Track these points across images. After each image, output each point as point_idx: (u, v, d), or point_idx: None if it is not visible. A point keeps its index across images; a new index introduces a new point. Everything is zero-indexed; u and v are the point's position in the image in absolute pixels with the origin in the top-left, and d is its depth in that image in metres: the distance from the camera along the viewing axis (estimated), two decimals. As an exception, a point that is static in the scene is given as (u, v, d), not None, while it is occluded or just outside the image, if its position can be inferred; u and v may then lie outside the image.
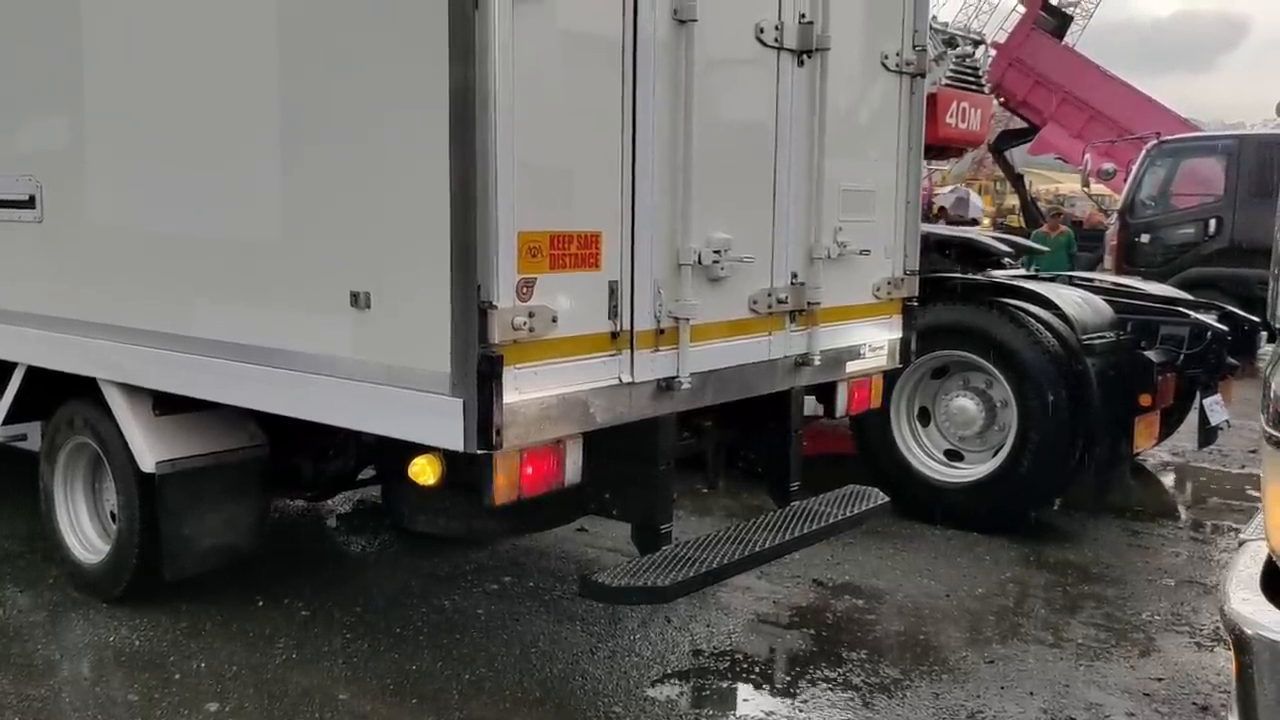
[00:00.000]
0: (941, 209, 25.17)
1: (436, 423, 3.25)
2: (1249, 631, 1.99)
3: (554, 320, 3.32)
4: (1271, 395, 2.01)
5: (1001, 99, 22.34)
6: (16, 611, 4.75)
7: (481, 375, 3.13)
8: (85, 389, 4.66)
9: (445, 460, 3.43)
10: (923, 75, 4.87)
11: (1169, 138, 14.70)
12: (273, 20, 3.70)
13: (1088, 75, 22.37)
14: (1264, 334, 7.11)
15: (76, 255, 4.55)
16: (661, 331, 3.71)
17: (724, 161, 3.91)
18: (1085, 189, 19.36)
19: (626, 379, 3.61)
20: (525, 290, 3.23)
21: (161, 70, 4.08)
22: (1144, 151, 14.16)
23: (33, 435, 5.21)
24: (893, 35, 4.73)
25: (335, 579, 5.17)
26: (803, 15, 4.15)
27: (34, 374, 4.90)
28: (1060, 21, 24.58)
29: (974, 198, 29.97)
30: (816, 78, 4.23)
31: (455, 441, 3.21)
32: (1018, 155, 25.50)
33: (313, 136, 3.64)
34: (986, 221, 20.04)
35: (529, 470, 3.41)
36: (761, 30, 4.01)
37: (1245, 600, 2.08)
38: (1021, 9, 23.84)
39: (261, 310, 3.82)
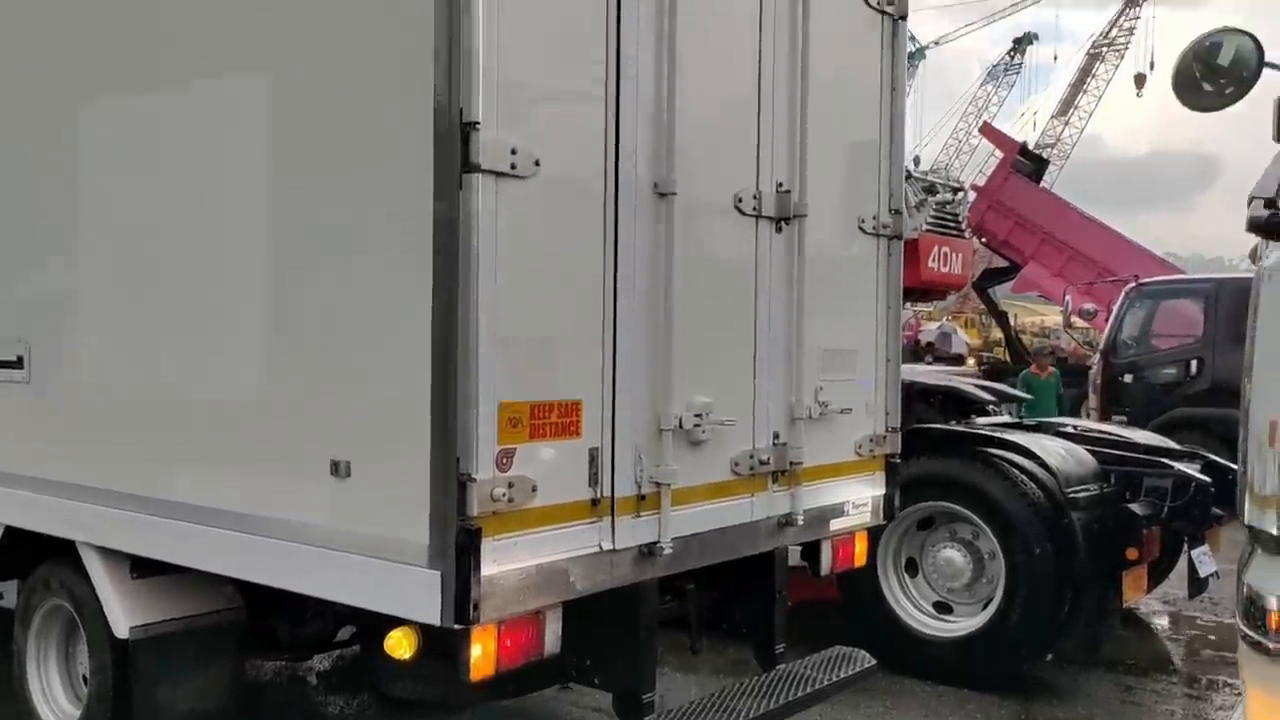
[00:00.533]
0: (929, 344, 25.48)
1: (414, 595, 3.22)
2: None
3: (534, 490, 3.32)
4: (1244, 595, 2.01)
5: (983, 239, 22.82)
6: (-21, 782, 4.61)
7: (460, 548, 3.11)
8: (63, 550, 4.60)
9: (422, 632, 3.38)
10: (899, 237, 4.99)
11: (1147, 280, 14.99)
12: (261, 193, 3.79)
13: (1066, 217, 22.92)
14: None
15: (61, 416, 4.55)
16: (643, 497, 3.71)
17: (705, 325, 3.97)
18: (1068, 329, 19.62)
19: (607, 546, 3.59)
20: (505, 461, 3.24)
21: (150, 239, 4.16)
22: (1123, 293, 14.42)
23: (9, 593, 5.15)
24: (869, 199, 4.86)
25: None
26: (780, 184, 4.28)
27: (14, 533, 4.85)
28: (1037, 165, 25.27)
29: (959, 333, 30.36)
30: (795, 243, 4.33)
31: (432, 616, 3.17)
32: (1002, 290, 25.94)
33: (297, 307, 3.70)
34: (971, 361, 20.20)
35: (507, 643, 3.36)
36: (740, 200, 4.13)
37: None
38: (999, 153, 24.55)
39: (241, 476, 3.81)
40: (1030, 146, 40.95)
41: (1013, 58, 58.92)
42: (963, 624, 6.23)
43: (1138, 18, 49.26)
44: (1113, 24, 51.33)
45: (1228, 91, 3.55)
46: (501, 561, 3.22)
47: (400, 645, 3.36)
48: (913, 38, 61.00)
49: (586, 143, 3.53)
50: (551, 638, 3.49)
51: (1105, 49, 51.75)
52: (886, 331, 4.98)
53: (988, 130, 28.59)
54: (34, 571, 4.86)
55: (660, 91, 3.73)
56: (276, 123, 3.76)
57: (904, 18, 4.97)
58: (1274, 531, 2.03)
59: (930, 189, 12.25)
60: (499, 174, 3.18)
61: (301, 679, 6.05)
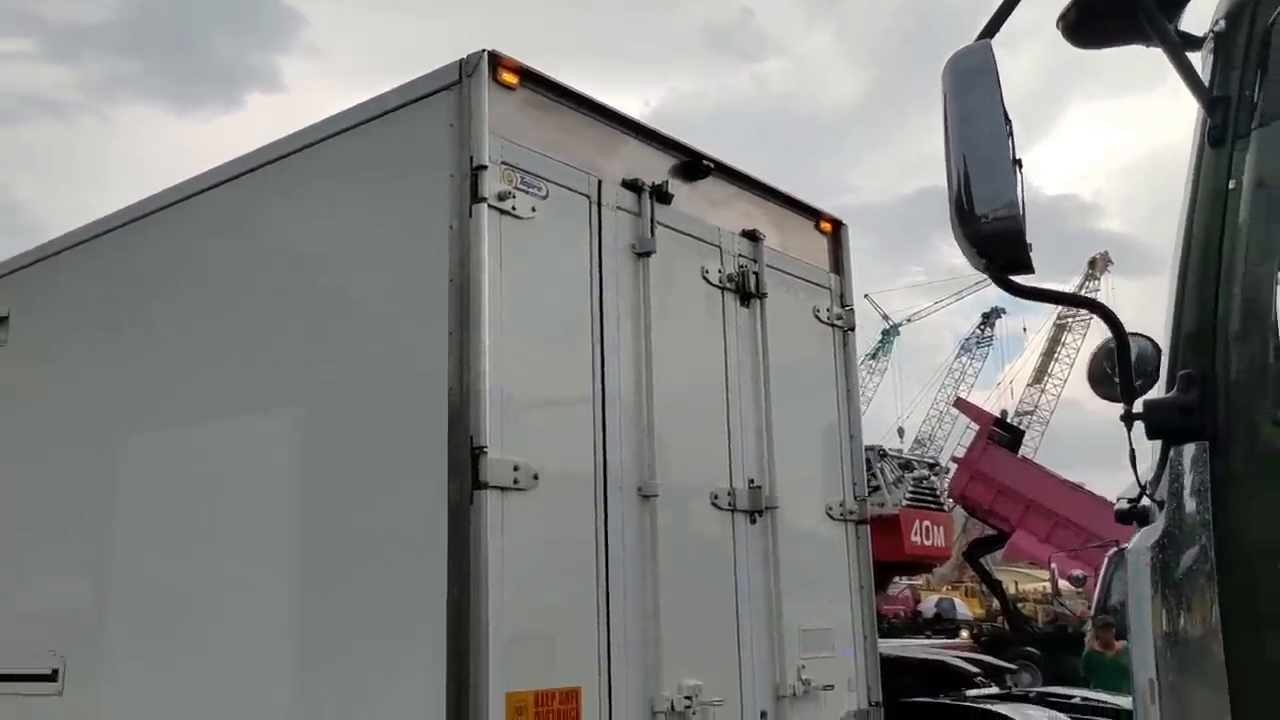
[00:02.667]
0: (934, 617, 25.34)
1: None
2: None
3: (540, 775, 3.62)
4: None
5: (968, 509, 23.33)
6: None
7: (474, 836, 3.39)
8: None
9: None
10: (865, 522, 5.46)
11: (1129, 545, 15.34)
12: (289, 520, 4.28)
13: (1047, 485, 23.52)
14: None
15: (92, 726, 4.84)
16: (641, 778, 3.98)
17: (690, 610, 4.36)
18: (1057, 597, 19.76)
19: (608, 829, 3.84)
20: (512, 747, 3.56)
21: (178, 564, 4.62)
22: (1107, 558, 14.74)
23: None
24: (835, 488, 5.37)
25: None
26: (751, 480, 4.80)
27: None
28: (1013, 435, 26.16)
29: (958, 604, 30.25)
30: (769, 532, 4.80)
31: None
32: (996, 558, 26.15)
33: (318, 620, 4.10)
34: (965, 633, 20.19)
35: None
36: (715, 497, 4.63)
37: None
38: (975, 426, 25.47)
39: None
40: (1010, 414, 42.31)
41: (983, 331, 61.52)
42: None
43: (1098, 290, 51.74)
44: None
45: (1137, 384, 4.15)
46: None
47: None
48: (886, 317, 63.94)
49: (578, 456, 4.07)
50: None
51: (1071, 319, 53.99)
52: (862, 609, 5.35)
53: (962, 405, 29.74)
54: None
55: (640, 408, 4.31)
56: (318, 450, 4.30)
57: (852, 329, 5.66)
58: None
59: (907, 465, 12.94)
60: (504, 489, 3.70)
61: None
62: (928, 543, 11.54)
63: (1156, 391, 2.46)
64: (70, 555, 5.16)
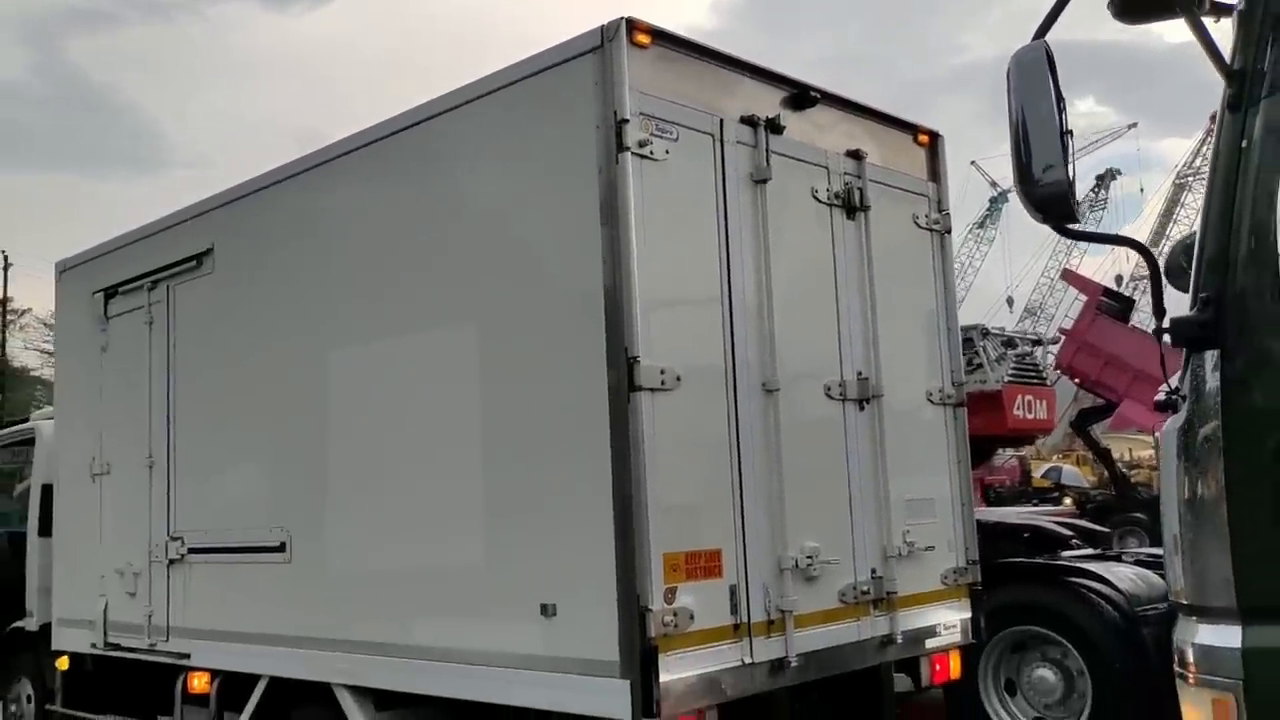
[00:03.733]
0: (1058, 484, 25.83)
1: (609, 700, 4.40)
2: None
3: (691, 618, 4.50)
4: (1175, 642, 3.06)
5: (1076, 379, 23.55)
6: None
7: (644, 660, 4.31)
8: (315, 694, 5.88)
9: (616, 730, 4.53)
10: (963, 405, 6.16)
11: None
12: (479, 411, 5.17)
13: (1155, 353, 23.47)
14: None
15: (318, 587, 5.91)
16: (771, 622, 4.85)
17: (809, 486, 5.16)
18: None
19: (748, 661, 4.72)
20: (670, 596, 4.44)
21: (387, 456, 5.57)
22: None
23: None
24: (934, 376, 6.06)
25: None
26: (860, 373, 5.52)
27: (273, 683, 6.16)
28: (1123, 304, 26.01)
29: (1066, 470, 30.62)
30: (875, 418, 5.54)
31: (624, 713, 4.34)
32: (1102, 427, 26.38)
33: (509, 496, 5.00)
34: (1068, 501, 20.73)
35: (680, 736, 4.49)
36: (829, 388, 5.38)
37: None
38: (1083, 297, 25.44)
39: (470, 622, 5.07)
40: (1125, 279, 41.56)
41: (1097, 193, 59.89)
42: (1060, 736, 7.07)
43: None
44: (1196, 153, 51.92)
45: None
46: (672, 671, 4.39)
47: (600, 741, 4.52)
48: (994, 183, 62.51)
49: (712, 360, 4.84)
50: (711, 733, 4.61)
51: (1191, 178, 52.29)
52: (959, 481, 6.09)
53: (1069, 276, 29.57)
54: (289, 717, 6.14)
55: (761, 315, 5.04)
56: (493, 357, 5.15)
57: (948, 232, 6.26)
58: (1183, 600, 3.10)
59: (1009, 343, 13.37)
60: (654, 390, 4.50)
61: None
62: (1030, 416, 12.04)
63: (1182, 310, 3.10)
64: (291, 450, 6.19)
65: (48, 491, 8.49)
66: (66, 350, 8.40)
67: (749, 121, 5.16)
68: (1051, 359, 18.43)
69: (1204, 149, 51.40)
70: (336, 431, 5.93)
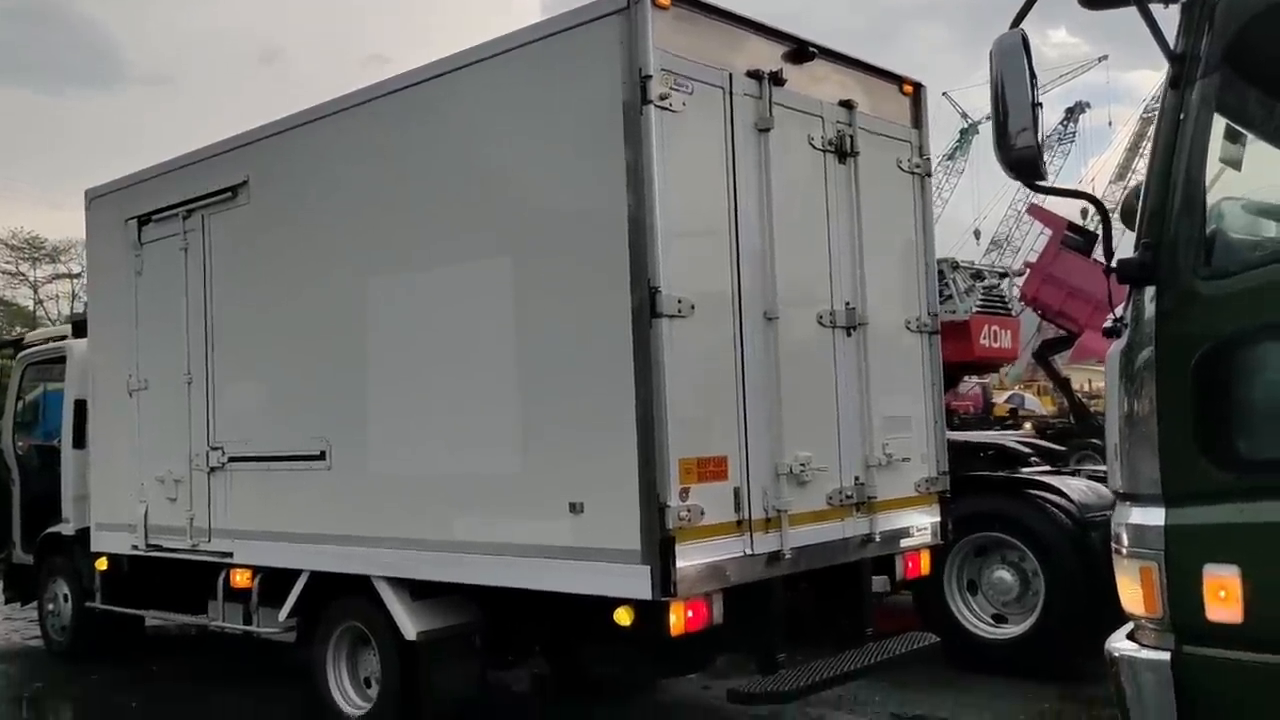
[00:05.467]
0: (1012, 411, 26.86)
1: (632, 583, 5.10)
2: (1114, 652, 3.70)
3: (702, 513, 5.19)
4: (1112, 525, 3.77)
5: (1039, 311, 24.40)
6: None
7: (662, 549, 5.00)
8: (353, 587, 6.57)
9: (635, 609, 5.24)
10: (938, 333, 6.84)
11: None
12: (510, 339, 5.80)
13: (1117, 285, 24.35)
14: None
15: (358, 490, 6.56)
16: (769, 520, 5.55)
17: (802, 404, 5.83)
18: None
19: (749, 552, 5.43)
20: (684, 494, 5.13)
21: (426, 374, 6.19)
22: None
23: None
24: (913, 306, 6.72)
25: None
26: (848, 303, 6.17)
27: (314, 578, 6.84)
28: (1086, 238, 26.80)
29: (1028, 398, 31.73)
30: (861, 344, 6.21)
31: (645, 593, 5.05)
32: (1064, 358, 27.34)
33: (542, 407, 5.64)
34: (1028, 425, 21.71)
35: (690, 613, 5.21)
36: (820, 317, 6.04)
37: (1115, 639, 3.80)
38: (1048, 231, 26.19)
39: (505, 519, 5.75)
40: (1089, 214, 42.34)
41: (1066, 126, 60.49)
42: (1015, 629, 7.89)
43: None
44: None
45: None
46: (686, 559, 5.09)
47: (624, 616, 5.23)
48: (964, 115, 62.82)
49: (720, 291, 5.48)
50: (718, 611, 5.33)
51: (1157, 112, 52.73)
52: (933, 401, 6.80)
53: (1035, 211, 30.20)
54: (330, 605, 6.82)
55: (764, 252, 5.66)
56: (525, 286, 5.77)
57: (929, 175, 6.89)
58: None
59: (978, 275, 14.07)
60: (671, 316, 5.14)
61: (507, 688, 7.90)
62: (995, 345, 12.77)
63: (1127, 253, 3.75)
64: (331, 367, 6.78)
65: (81, 406, 9.06)
66: (99, 274, 8.91)
67: (754, 75, 5.74)
68: (1017, 291, 19.18)
69: (1172, 83, 51.75)
70: (376, 352, 6.53)
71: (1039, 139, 3.57)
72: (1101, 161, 55.64)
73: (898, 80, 6.79)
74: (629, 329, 5.16)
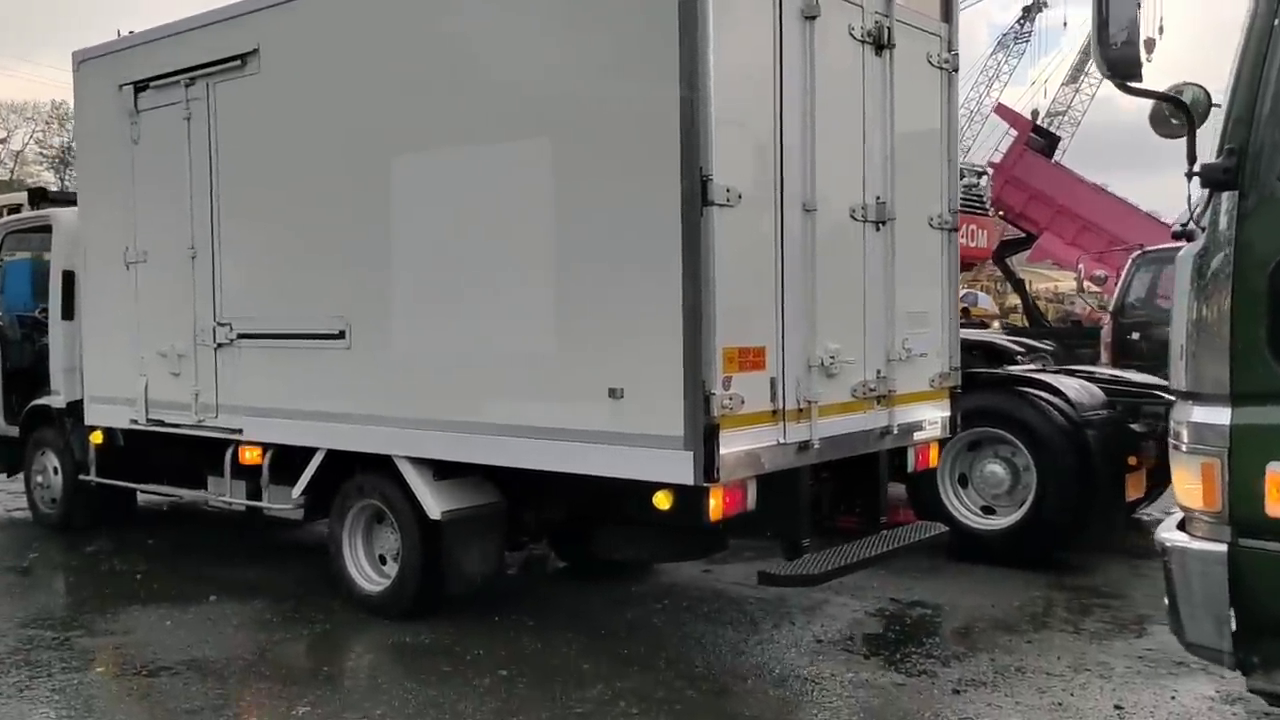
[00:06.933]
0: (963, 309, 27.27)
1: (674, 468, 5.19)
2: (1166, 543, 3.87)
3: (742, 402, 5.27)
4: (1172, 423, 3.90)
5: (1000, 212, 24.63)
6: (327, 627, 6.61)
7: (707, 436, 5.08)
8: (372, 465, 6.59)
9: (675, 493, 5.34)
10: (956, 229, 6.90)
11: (1152, 248, 16.79)
12: (549, 220, 5.74)
13: (1078, 190, 24.69)
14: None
15: (381, 371, 6.53)
16: (801, 410, 5.65)
17: (834, 297, 5.87)
18: (1081, 294, 21.43)
19: (781, 441, 5.54)
20: (727, 383, 5.19)
21: (459, 255, 6.12)
22: (1130, 260, 16.23)
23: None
24: (935, 203, 6.77)
25: (548, 602, 7.03)
26: (878, 197, 6.19)
27: (330, 456, 6.84)
28: (1049, 141, 26.99)
29: (983, 297, 32.19)
30: (889, 239, 6.25)
31: (688, 478, 5.15)
32: (1017, 259, 27.75)
33: (585, 292, 5.62)
34: (996, 324, 22.12)
35: (728, 499, 5.33)
36: (853, 211, 6.06)
37: (1165, 529, 3.97)
38: (1014, 131, 26.31)
39: (538, 402, 5.77)
40: (1041, 114, 42.44)
41: (1022, 26, 60.05)
42: (1005, 521, 8.17)
43: (1150, -16, 49.96)
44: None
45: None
46: (728, 446, 5.18)
47: (663, 500, 5.34)
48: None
49: (764, 181, 5.47)
50: (752, 498, 5.46)
51: (1116, 16, 52.50)
52: (948, 297, 6.90)
53: (1001, 110, 30.27)
54: (345, 484, 6.85)
55: (805, 145, 5.64)
56: (567, 166, 5.71)
57: (956, 70, 6.86)
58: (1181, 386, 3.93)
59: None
60: (721, 205, 5.12)
61: (526, 570, 8.04)
62: (973, 244, 12.98)
63: (1210, 158, 3.80)
64: (352, 244, 6.68)
65: (69, 278, 8.84)
66: (89, 141, 8.59)
67: (804, -40, 5.64)
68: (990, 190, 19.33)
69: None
70: (403, 231, 6.43)
71: (1140, 39, 3.58)
72: (1053, 60, 55.25)
73: (932, -28, 6.71)
74: (678, 216, 5.14)
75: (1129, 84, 3.73)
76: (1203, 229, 3.82)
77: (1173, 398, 3.88)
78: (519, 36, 5.87)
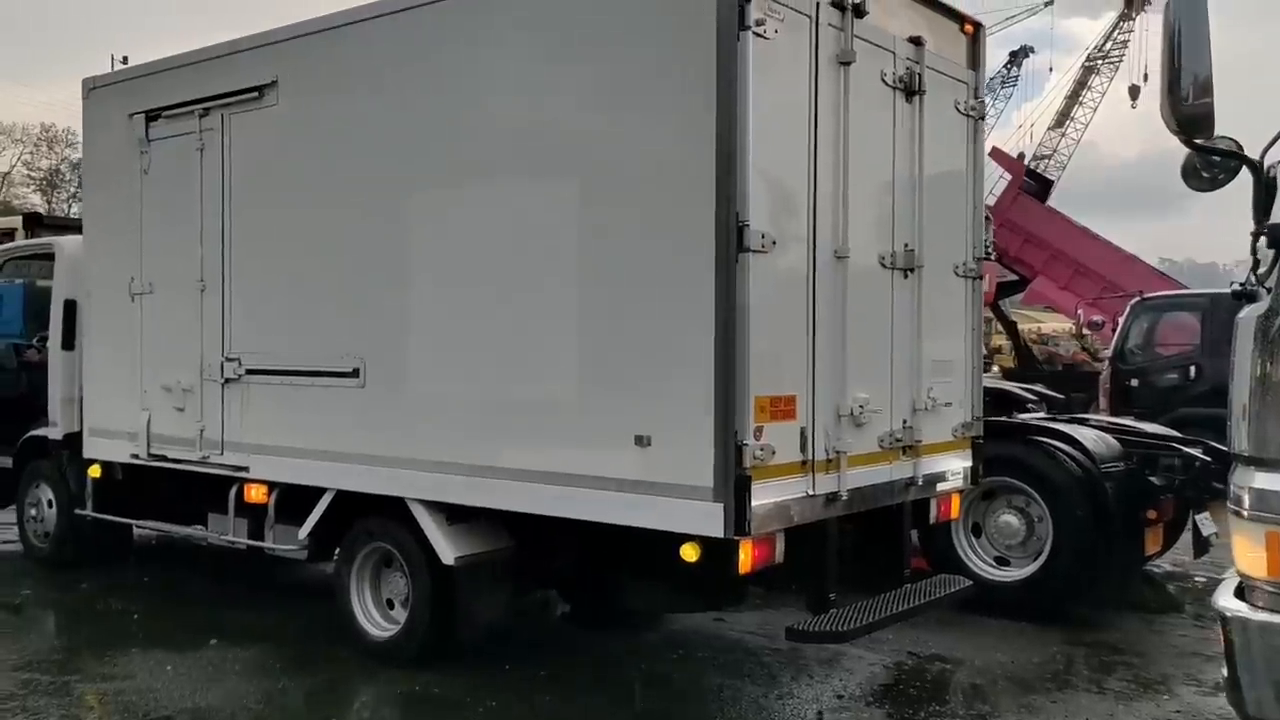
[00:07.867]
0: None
1: (703, 519, 5.05)
2: (1226, 613, 3.74)
3: (773, 453, 5.14)
4: (1232, 488, 3.79)
5: (996, 256, 24.71)
6: (333, 675, 6.41)
7: (738, 487, 4.95)
8: (383, 508, 6.42)
9: (703, 545, 5.19)
10: (981, 278, 6.82)
11: (1151, 295, 16.81)
12: (574, 266, 5.63)
13: (1072, 234, 24.84)
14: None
15: (394, 410, 6.37)
16: (829, 460, 5.52)
17: (863, 345, 5.76)
18: (1078, 339, 21.45)
19: (810, 493, 5.40)
20: (759, 433, 5.06)
21: (482, 297, 5.98)
22: (1129, 307, 16.23)
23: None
24: (961, 250, 6.68)
25: (560, 651, 6.85)
26: (907, 244, 6.10)
27: (339, 497, 6.67)
28: (1042, 185, 27.17)
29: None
30: (916, 286, 6.16)
31: (717, 530, 5.01)
32: (1010, 302, 27.83)
33: (616, 338, 5.49)
34: (996, 369, 22.11)
35: (757, 552, 5.18)
36: (883, 258, 5.96)
37: (1224, 597, 3.85)
38: (1007, 175, 26.46)
39: (565, 449, 5.62)
40: (1027, 158, 42.69)
41: (1009, 70, 60.63)
42: (1020, 573, 8.04)
43: (1132, 31, 50.54)
44: (1107, 37, 52.49)
45: (1220, 178, 5.37)
46: (759, 498, 5.04)
47: (690, 552, 5.18)
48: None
49: (797, 227, 5.37)
50: (780, 550, 5.32)
51: (1100, 62, 53.06)
52: (972, 346, 6.81)
53: (996, 154, 30.45)
54: (353, 526, 6.67)
55: (837, 193, 5.54)
56: (595, 210, 5.59)
57: (983, 118, 6.81)
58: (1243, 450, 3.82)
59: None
60: (756, 251, 5.02)
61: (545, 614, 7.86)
62: (977, 288, 12.89)
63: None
64: (368, 283, 6.53)
65: (70, 306, 8.67)
66: (97, 169, 8.44)
67: (838, 5, 5.57)
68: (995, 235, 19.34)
69: (1115, 33, 52.27)
70: (421, 269, 6.30)
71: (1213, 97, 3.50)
72: (1038, 106, 55.72)
73: (960, 19, 6.66)
74: (711, 263, 5.03)
75: (1196, 141, 3.65)
76: (1268, 290, 3.74)
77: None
78: (550, 79, 5.78)
